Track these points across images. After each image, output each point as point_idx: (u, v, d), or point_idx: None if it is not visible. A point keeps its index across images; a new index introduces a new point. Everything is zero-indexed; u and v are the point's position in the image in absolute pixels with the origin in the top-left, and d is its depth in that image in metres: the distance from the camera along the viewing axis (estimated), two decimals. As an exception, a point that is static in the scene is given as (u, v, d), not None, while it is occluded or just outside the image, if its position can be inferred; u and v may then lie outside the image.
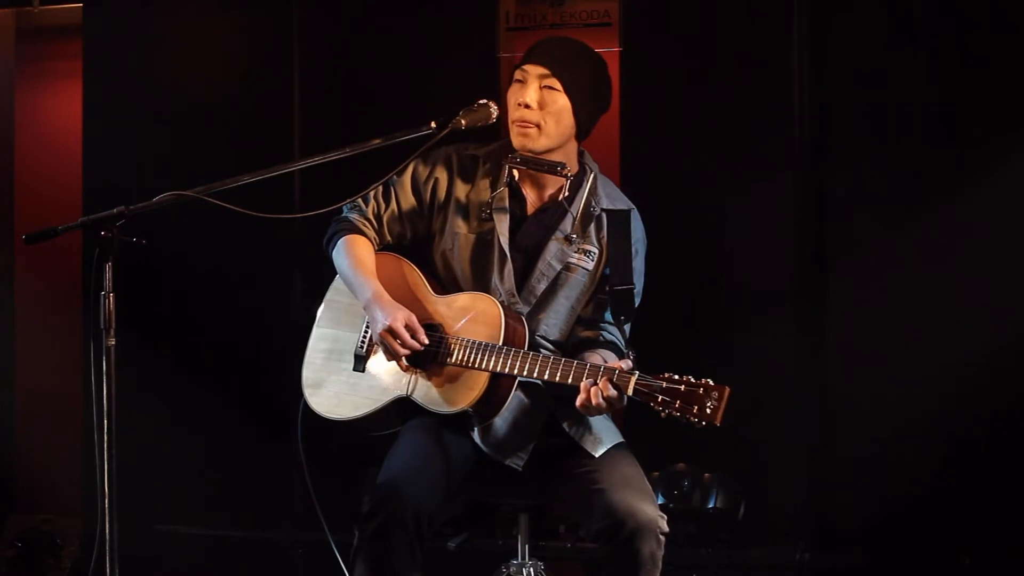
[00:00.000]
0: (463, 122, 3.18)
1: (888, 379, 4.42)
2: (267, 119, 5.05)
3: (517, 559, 3.41)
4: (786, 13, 4.53)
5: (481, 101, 3.23)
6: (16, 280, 5.62)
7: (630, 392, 2.91)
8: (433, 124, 3.15)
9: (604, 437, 3.21)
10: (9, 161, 5.67)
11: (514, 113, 3.24)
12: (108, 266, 2.76)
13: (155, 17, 5.19)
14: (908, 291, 4.41)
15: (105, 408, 2.75)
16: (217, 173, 2.98)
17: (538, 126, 3.22)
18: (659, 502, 4.28)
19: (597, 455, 3.18)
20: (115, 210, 2.80)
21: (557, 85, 3.22)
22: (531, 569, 3.40)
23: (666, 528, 3.06)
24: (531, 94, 3.22)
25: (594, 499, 3.08)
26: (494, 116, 3.22)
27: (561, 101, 3.23)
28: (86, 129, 5.28)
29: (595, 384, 2.95)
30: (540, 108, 3.21)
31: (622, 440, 3.26)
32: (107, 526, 2.74)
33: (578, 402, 2.99)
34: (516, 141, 3.24)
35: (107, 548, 2.74)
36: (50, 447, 5.54)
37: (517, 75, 3.28)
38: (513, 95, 3.26)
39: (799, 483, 4.51)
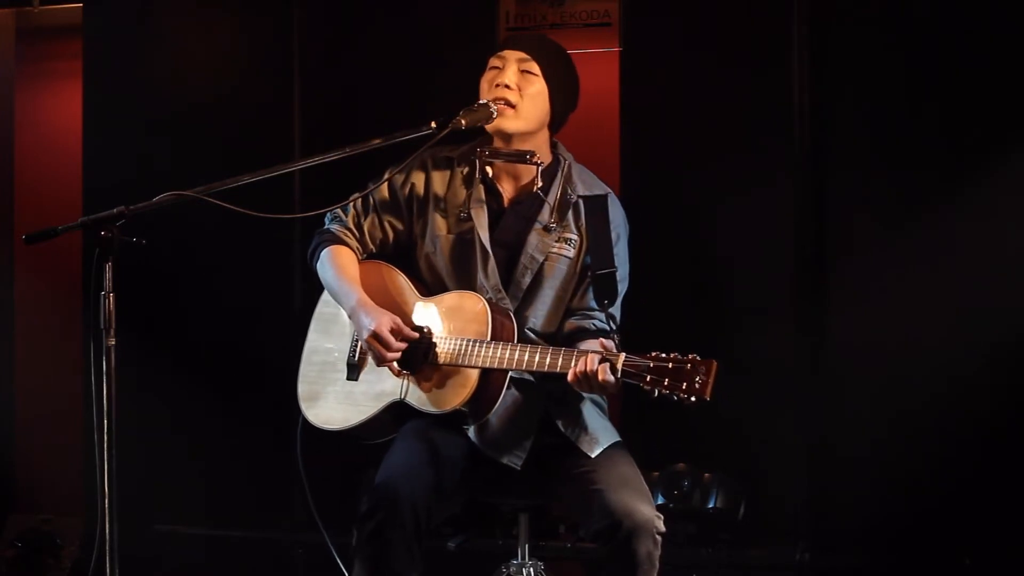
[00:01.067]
0: (463, 122, 3.19)
1: (888, 379, 4.41)
2: (267, 119, 5.05)
3: (517, 559, 3.41)
4: (786, 13, 4.53)
5: (481, 101, 3.25)
6: (16, 280, 5.62)
7: (619, 373, 2.91)
8: (433, 124, 3.16)
9: (600, 437, 3.22)
10: (9, 161, 5.67)
11: (490, 94, 3.25)
12: (108, 266, 2.77)
13: (155, 17, 5.19)
14: (908, 291, 4.41)
15: (105, 408, 2.75)
16: (217, 173, 2.99)
17: (515, 107, 3.24)
18: (659, 502, 4.30)
19: (593, 455, 3.18)
20: (115, 210, 2.81)
21: (535, 69, 3.26)
22: (531, 569, 3.40)
23: (663, 528, 3.06)
24: (510, 75, 3.25)
25: (591, 499, 3.08)
26: (494, 116, 3.23)
27: (538, 85, 3.26)
28: (86, 129, 5.28)
29: (584, 368, 2.95)
30: (518, 89, 3.24)
31: (619, 439, 3.27)
32: (107, 526, 2.74)
33: (569, 377, 2.98)
34: (492, 122, 3.24)
35: (107, 548, 2.74)
36: (50, 447, 5.55)
37: (494, 62, 3.30)
38: (489, 79, 3.28)
39: (799, 483, 4.51)
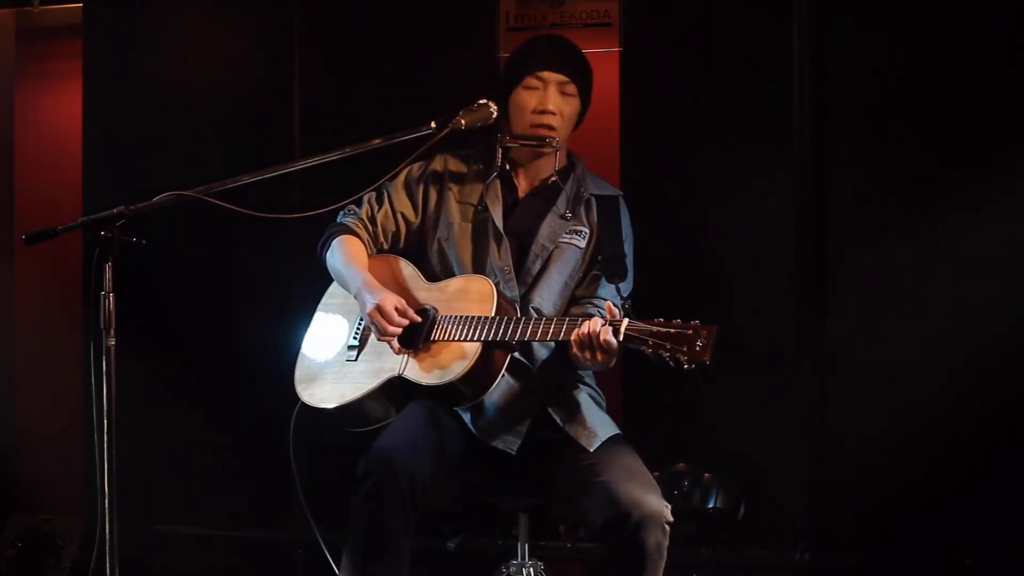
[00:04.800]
0: (463, 122, 3.21)
1: (888, 379, 4.41)
2: (267, 119, 5.05)
3: (517, 559, 3.42)
4: (786, 12, 4.53)
5: (481, 101, 3.26)
6: (16, 280, 5.62)
7: (621, 336, 2.91)
8: (433, 124, 3.17)
9: (599, 430, 3.22)
10: (9, 161, 5.67)
11: (534, 119, 3.29)
12: (108, 266, 2.77)
13: (155, 17, 5.18)
14: (909, 291, 4.41)
15: (105, 408, 2.75)
16: (217, 173, 2.99)
17: (555, 130, 3.31)
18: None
19: (592, 449, 3.18)
20: (115, 210, 2.82)
21: (573, 91, 3.33)
22: (531, 569, 3.40)
23: (671, 518, 3.06)
24: (555, 100, 3.29)
25: (597, 491, 3.08)
26: (494, 116, 3.26)
27: (574, 104, 3.35)
28: (86, 129, 5.28)
29: (587, 330, 2.95)
30: (560, 115, 3.29)
31: (618, 432, 3.27)
32: (107, 526, 2.75)
33: (573, 336, 2.98)
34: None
35: (107, 548, 2.75)
36: (50, 447, 5.54)
37: (531, 81, 3.32)
38: (528, 99, 3.31)
39: (799, 483, 4.51)
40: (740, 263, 4.60)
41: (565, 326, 3.00)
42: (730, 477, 4.43)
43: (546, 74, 3.30)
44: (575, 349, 2.99)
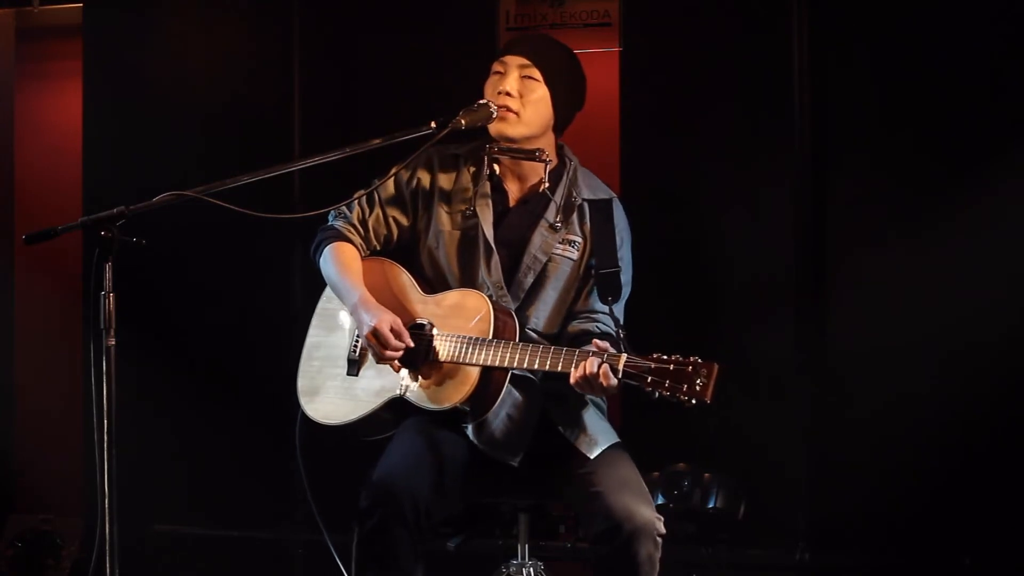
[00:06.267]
0: (463, 122, 3.20)
1: (887, 379, 4.41)
2: (267, 119, 5.05)
3: (517, 559, 3.42)
4: (786, 13, 4.53)
5: (481, 101, 3.26)
6: (16, 280, 5.62)
7: (620, 375, 2.90)
8: (433, 124, 3.17)
9: (600, 438, 3.22)
10: (9, 161, 5.67)
11: (494, 100, 3.26)
12: (108, 266, 2.77)
13: (155, 17, 5.19)
14: (909, 291, 4.41)
15: (105, 408, 2.75)
16: (217, 173, 2.99)
17: (517, 113, 3.25)
18: (659, 502, 4.30)
19: (592, 456, 3.18)
20: (115, 210, 2.81)
21: (537, 75, 3.27)
22: (531, 569, 3.40)
23: (663, 530, 3.07)
24: (511, 82, 3.26)
25: (592, 502, 3.09)
26: (494, 116, 3.24)
27: (540, 91, 3.28)
28: (86, 129, 5.28)
29: (585, 372, 2.95)
30: (519, 96, 3.24)
31: (618, 440, 3.27)
32: (107, 526, 2.75)
33: (572, 380, 2.98)
34: (494, 127, 3.26)
35: (107, 548, 2.74)
36: (50, 447, 5.55)
37: (496, 67, 3.33)
38: (492, 85, 3.30)
39: (799, 483, 4.51)
40: (740, 264, 4.60)
41: (563, 358, 3.00)
42: (730, 477, 4.43)
43: (507, 58, 3.30)
44: (576, 388, 2.99)
